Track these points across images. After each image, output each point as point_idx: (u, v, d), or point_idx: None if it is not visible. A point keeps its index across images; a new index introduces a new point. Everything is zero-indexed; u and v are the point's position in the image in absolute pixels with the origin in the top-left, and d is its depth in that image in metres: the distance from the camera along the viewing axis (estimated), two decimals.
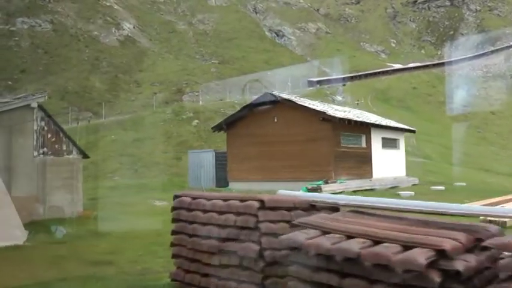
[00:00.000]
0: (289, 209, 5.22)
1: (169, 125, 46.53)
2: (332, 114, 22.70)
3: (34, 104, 14.93)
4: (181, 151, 37.98)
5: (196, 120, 48.28)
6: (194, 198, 6.03)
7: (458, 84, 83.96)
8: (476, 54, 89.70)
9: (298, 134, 23.12)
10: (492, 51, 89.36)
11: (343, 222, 4.19)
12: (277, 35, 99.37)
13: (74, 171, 15.94)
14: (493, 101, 79.53)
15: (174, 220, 6.26)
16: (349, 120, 23.48)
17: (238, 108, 51.65)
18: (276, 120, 23.69)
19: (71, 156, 15.83)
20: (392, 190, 23.54)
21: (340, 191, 21.44)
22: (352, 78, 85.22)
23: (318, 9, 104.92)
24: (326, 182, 21.75)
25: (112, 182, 28.16)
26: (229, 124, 25.19)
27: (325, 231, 4.00)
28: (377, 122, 26.68)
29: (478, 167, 47.46)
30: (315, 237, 3.95)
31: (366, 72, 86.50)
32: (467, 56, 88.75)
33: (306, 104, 23.55)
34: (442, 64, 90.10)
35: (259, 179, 23.71)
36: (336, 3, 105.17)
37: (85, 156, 16.23)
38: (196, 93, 63.16)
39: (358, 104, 33.09)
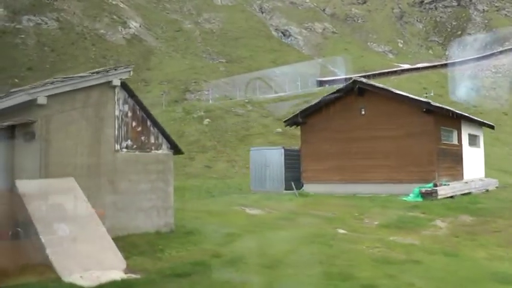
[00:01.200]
0: None
1: (180, 123, 43.94)
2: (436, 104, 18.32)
3: (116, 82, 10.36)
4: (194, 150, 36.05)
5: (208, 119, 45.36)
6: None
7: (467, 84, 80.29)
8: (484, 54, 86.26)
9: (392, 128, 18.77)
10: (501, 52, 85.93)
11: None
12: (284, 35, 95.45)
13: (164, 171, 11.36)
14: (503, 101, 76.07)
15: None
16: (452, 113, 19.14)
17: (249, 107, 47.76)
18: (363, 112, 19.29)
19: (160, 152, 11.25)
20: (496, 193, 19.38)
21: (450, 195, 17.21)
22: (360, 78, 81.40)
23: (324, 9, 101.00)
24: (435, 185, 17.39)
25: None
26: (305, 117, 20.66)
27: None
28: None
29: (497, 168, 43.85)
30: None
31: (375, 72, 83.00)
32: (476, 56, 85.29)
33: (405, 94, 19.10)
34: (451, 64, 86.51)
35: (341, 181, 19.36)
36: (342, 3, 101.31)
37: (177, 151, 11.63)
38: (206, 92, 60.01)
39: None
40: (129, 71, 10.58)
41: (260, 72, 69.21)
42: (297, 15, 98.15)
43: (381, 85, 20.11)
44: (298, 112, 21.14)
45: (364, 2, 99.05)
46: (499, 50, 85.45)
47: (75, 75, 10.17)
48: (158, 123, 11.20)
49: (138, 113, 10.87)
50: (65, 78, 9.70)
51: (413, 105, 18.77)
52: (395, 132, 18.74)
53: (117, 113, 10.47)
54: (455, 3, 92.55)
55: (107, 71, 10.24)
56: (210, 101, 53.69)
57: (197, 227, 11.70)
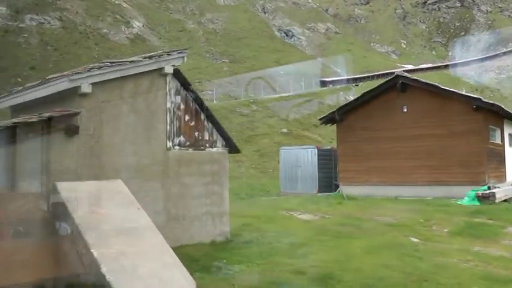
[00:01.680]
0: None
1: None
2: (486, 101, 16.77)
3: (169, 69, 8.74)
4: None
5: None
6: None
7: (471, 85, 79.04)
8: (488, 55, 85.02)
9: (437, 126, 17.23)
10: (504, 53, 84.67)
11: None
12: (287, 35, 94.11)
13: (219, 172, 9.73)
14: (507, 102, 74.82)
15: None
16: (500, 110, 17.60)
17: (253, 107, 46.38)
18: (405, 110, 17.72)
19: (214, 150, 9.62)
20: None
21: (504, 198, 15.68)
22: (364, 78, 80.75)
23: (326, 10, 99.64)
24: (489, 188, 15.85)
25: None
26: (343, 115, 19.05)
27: None
28: None
29: None
30: None
31: (379, 72, 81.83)
32: (479, 57, 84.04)
33: (453, 90, 17.55)
34: (454, 65, 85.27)
35: (381, 182, 17.77)
36: (345, 3, 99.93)
37: (233, 149, 10.00)
38: (210, 92, 58.66)
39: None
40: (183, 57, 8.95)
41: (264, 72, 68.26)
42: (300, 16, 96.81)
43: (426, 80, 18.50)
44: (335, 109, 19.50)
45: (367, 3, 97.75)
46: (502, 51, 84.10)
47: (124, 59, 8.51)
48: (213, 116, 9.58)
49: (191, 105, 9.25)
50: (113, 62, 8.05)
51: (462, 101, 17.24)
52: (440, 130, 17.20)
53: (168, 105, 8.85)
54: (458, 4, 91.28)
55: (160, 56, 8.60)
56: (215, 101, 53.31)
57: (254, 236, 10.10)
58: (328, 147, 20.75)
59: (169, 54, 8.71)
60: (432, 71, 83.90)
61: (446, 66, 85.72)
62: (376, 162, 18.17)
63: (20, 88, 9.56)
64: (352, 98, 69.24)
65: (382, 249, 9.23)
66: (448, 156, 17.15)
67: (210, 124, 9.57)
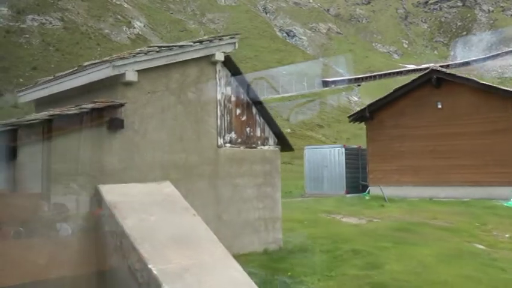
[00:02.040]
0: None
1: None
2: None
3: (219, 56, 7.60)
4: None
5: None
6: None
7: None
8: (490, 55, 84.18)
9: (475, 123, 16.17)
10: (507, 52, 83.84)
11: None
12: (288, 35, 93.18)
13: (271, 173, 8.61)
14: None
15: None
16: None
17: None
18: (440, 106, 16.62)
19: (266, 148, 8.49)
20: None
21: None
22: (366, 78, 79.99)
23: (328, 10, 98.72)
24: None
25: None
26: (373, 113, 17.95)
27: None
28: None
29: None
30: None
31: (381, 72, 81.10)
32: (481, 57, 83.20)
33: (494, 85, 16.48)
34: (456, 65, 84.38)
35: (415, 183, 16.67)
36: (346, 3, 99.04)
37: (286, 147, 8.87)
38: None
39: None
40: (235, 43, 7.83)
41: (266, 72, 67.47)
42: (301, 16, 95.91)
43: (463, 75, 17.43)
44: (365, 106, 18.40)
45: (369, 3, 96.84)
46: (505, 51, 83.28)
47: (172, 44, 7.38)
48: (266, 110, 8.45)
49: (242, 97, 8.12)
50: (160, 47, 6.92)
51: (502, 97, 16.16)
52: (479, 128, 16.13)
53: (219, 96, 7.71)
54: (460, 4, 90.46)
55: (210, 41, 7.47)
56: None
57: (306, 242, 8.99)
58: (355, 146, 19.64)
59: (220, 39, 7.58)
60: None
61: (448, 66, 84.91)
62: (408, 162, 17.09)
63: (47, 78, 8.40)
64: (355, 98, 68.77)
65: (454, 258, 8.15)
66: (486, 155, 16.08)
67: (261, 119, 8.44)
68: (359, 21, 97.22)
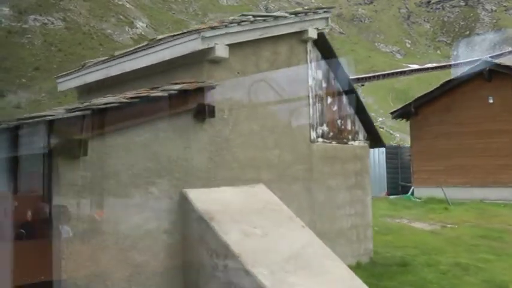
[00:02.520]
0: None
1: None
2: None
3: (313, 33, 6.19)
4: None
5: None
6: None
7: None
8: (493, 54, 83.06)
9: None
10: (510, 52, 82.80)
11: None
12: None
13: (361, 172, 7.22)
14: None
15: None
16: None
17: None
18: (491, 101, 15.29)
19: (356, 143, 7.10)
20: None
21: None
22: (369, 78, 78.73)
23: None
24: None
25: None
26: (417, 108, 16.59)
27: None
28: None
29: None
30: None
31: (384, 72, 79.86)
32: (485, 56, 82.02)
33: None
34: (460, 65, 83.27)
35: (464, 184, 15.29)
36: (348, 3, 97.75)
37: (377, 143, 7.47)
38: None
39: None
40: (328, 18, 6.42)
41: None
42: None
43: None
44: (410, 101, 17.03)
45: (371, 2, 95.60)
46: (508, 50, 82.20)
47: (264, 13, 5.96)
48: (358, 100, 7.05)
49: (333, 83, 6.71)
50: (255, 16, 5.51)
51: None
52: None
53: (310, 81, 6.31)
54: (463, 3, 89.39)
55: (305, 13, 6.05)
56: None
57: (395, 254, 7.61)
58: (394, 144, 18.28)
59: (315, 12, 6.17)
60: (438, 71, 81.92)
61: (452, 66, 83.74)
62: (456, 161, 15.77)
63: (97, 60, 6.95)
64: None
65: None
66: None
67: (352, 110, 7.04)
68: (361, 21, 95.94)
